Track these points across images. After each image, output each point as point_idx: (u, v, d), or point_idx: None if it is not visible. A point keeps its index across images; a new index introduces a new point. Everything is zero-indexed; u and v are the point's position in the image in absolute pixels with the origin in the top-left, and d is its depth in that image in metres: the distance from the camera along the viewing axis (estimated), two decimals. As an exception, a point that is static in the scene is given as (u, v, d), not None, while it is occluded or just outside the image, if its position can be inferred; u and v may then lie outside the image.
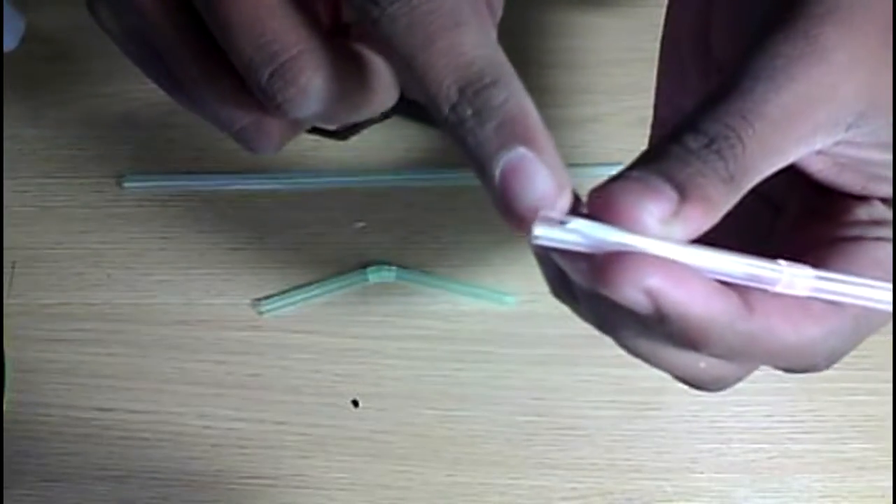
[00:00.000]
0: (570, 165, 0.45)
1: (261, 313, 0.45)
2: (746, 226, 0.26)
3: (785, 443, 0.44)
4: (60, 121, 0.48)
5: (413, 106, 0.50)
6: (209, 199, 0.47)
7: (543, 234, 0.20)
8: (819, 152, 0.23)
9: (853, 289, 0.22)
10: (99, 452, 0.44)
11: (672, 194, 0.20)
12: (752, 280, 0.21)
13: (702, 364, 0.24)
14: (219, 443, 0.44)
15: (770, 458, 0.44)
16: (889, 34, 0.23)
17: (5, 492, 0.44)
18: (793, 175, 0.24)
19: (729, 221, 0.22)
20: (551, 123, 0.22)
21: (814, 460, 0.43)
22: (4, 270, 0.47)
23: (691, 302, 0.20)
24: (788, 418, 0.44)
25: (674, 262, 0.20)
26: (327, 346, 0.45)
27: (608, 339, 0.45)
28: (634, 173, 0.21)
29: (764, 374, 0.43)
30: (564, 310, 0.45)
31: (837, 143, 0.23)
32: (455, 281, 0.45)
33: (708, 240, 0.22)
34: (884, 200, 0.25)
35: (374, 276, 0.45)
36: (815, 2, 0.23)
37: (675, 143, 0.21)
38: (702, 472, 0.44)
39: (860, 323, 0.24)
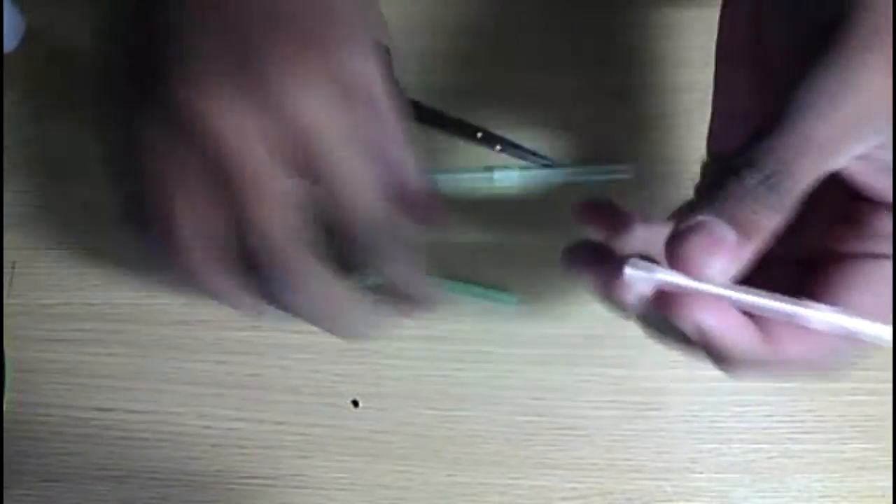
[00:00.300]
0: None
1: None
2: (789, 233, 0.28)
3: (785, 443, 0.44)
4: (60, 120, 0.48)
5: (413, 106, 0.50)
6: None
7: (632, 275, 0.26)
8: (858, 157, 0.26)
9: (864, 325, 0.26)
10: (99, 452, 0.45)
11: (732, 239, 0.25)
12: (787, 318, 0.26)
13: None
14: (218, 443, 0.44)
15: (770, 458, 0.44)
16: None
17: (5, 492, 0.44)
18: (827, 182, 0.27)
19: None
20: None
21: (814, 460, 0.43)
22: (4, 270, 0.47)
23: (726, 333, 0.26)
24: (788, 418, 0.44)
25: (719, 301, 0.26)
26: (327, 345, 0.45)
27: (608, 340, 0.45)
28: (701, 218, 0.25)
29: (764, 374, 0.44)
30: (565, 309, 0.45)
31: (876, 148, 0.26)
32: (457, 281, 0.45)
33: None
34: (885, 205, 0.28)
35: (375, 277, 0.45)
36: (855, 27, 0.25)
37: (735, 178, 0.25)
38: (701, 473, 0.43)
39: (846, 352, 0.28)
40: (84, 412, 0.45)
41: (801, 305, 0.26)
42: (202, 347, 0.45)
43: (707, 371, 0.43)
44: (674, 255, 0.25)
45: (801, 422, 0.44)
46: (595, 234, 0.34)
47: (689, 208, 0.26)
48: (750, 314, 0.27)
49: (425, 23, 0.49)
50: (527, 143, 0.47)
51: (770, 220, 0.25)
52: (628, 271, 0.26)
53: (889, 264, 0.28)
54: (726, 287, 0.26)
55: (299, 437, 0.44)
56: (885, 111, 0.25)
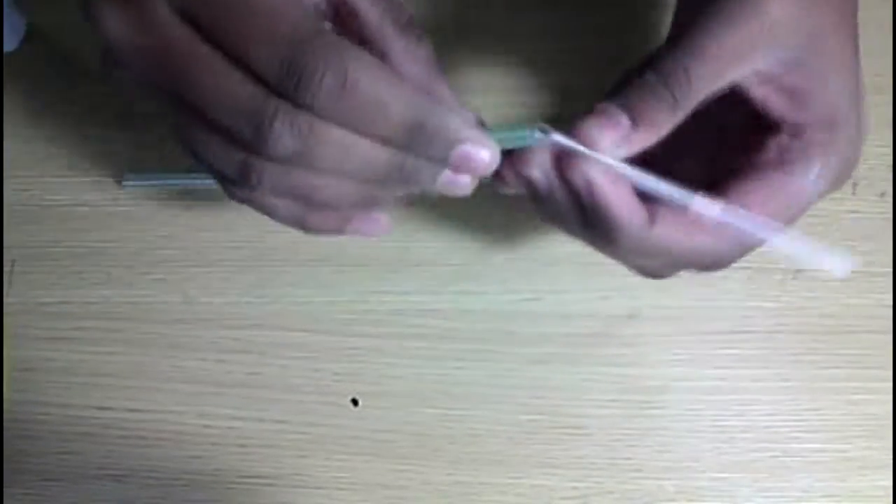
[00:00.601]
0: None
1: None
2: (700, 148, 0.34)
3: (787, 442, 0.43)
4: (60, 120, 0.48)
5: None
6: (209, 199, 0.47)
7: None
8: (757, 78, 0.30)
9: (749, 224, 0.30)
10: (98, 451, 0.44)
11: (624, 121, 0.29)
12: (671, 199, 0.30)
13: (638, 262, 0.34)
14: (218, 442, 0.44)
15: (773, 457, 0.43)
16: None
17: (4, 491, 0.44)
18: (734, 102, 0.31)
19: (687, 144, 0.31)
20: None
21: (817, 459, 0.43)
22: (4, 269, 0.46)
23: (615, 201, 0.29)
24: (791, 417, 0.44)
25: (613, 171, 0.29)
26: (327, 344, 0.45)
27: (610, 339, 0.45)
28: (602, 105, 0.30)
29: (767, 374, 0.44)
30: (566, 308, 0.45)
31: (777, 68, 0.30)
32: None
33: (670, 158, 0.31)
34: (791, 130, 0.31)
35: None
36: None
37: (638, 78, 0.30)
38: (703, 472, 0.43)
39: (744, 238, 0.31)
40: (83, 411, 0.45)
41: (688, 192, 0.30)
42: (202, 346, 0.45)
43: (709, 370, 0.44)
44: (574, 131, 0.29)
45: (804, 421, 0.43)
46: None
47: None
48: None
49: (425, 23, 0.49)
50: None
51: (662, 112, 0.29)
52: (537, 134, 0.29)
53: (782, 177, 0.31)
54: (620, 161, 0.29)
55: (299, 436, 0.44)
56: (780, 34, 0.29)
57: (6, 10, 0.48)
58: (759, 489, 0.43)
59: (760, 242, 0.32)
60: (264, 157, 0.28)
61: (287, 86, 0.26)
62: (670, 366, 0.44)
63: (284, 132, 0.26)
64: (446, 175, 0.29)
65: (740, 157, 0.33)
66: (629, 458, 0.43)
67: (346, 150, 0.27)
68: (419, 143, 0.27)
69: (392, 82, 0.26)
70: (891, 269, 0.45)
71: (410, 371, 0.45)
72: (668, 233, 0.30)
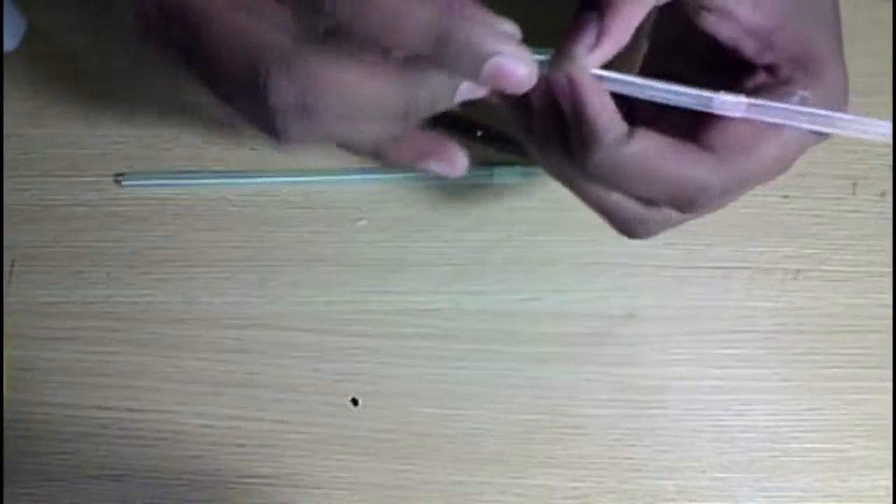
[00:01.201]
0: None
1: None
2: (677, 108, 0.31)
3: (788, 442, 0.43)
4: (60, 120, 0.48)
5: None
6: (209, 198, 0.47)
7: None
8: (726, 17, 0.30)
9: (778, 113, 0.29)
10: (97, 451, 0.44)
11: (593, 18, 0.28)
12: (697, 104, 0.29)
13: (613, 197, 0.31)
14: (218, 441, 0.44)
15: (773, 457, 0.43)
16: None
17: (4, 490, 0.44)
18: (711, 49, 0.31)
19: (661, 106, 0.29)
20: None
21: (817, 459, 0.43)
22: (4, 269, 0.46)
23: (595, 102, 0.28)
24: (791, 417, 0.44)
25: (598, 82, 0.28)
26: (327, 344, 0.45)
27: (610, 338, 0.45)
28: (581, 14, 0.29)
29: (766, 373, 0.44)
30: (566, 308, 0.45)
31: (741, 7, 0.30)
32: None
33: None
34: (766, 69, 0.31)
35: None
36: None
37: None
38: (704, 472, 0.43)
39: (732, 168, 0.30)
40: (83, 411, 0.45)
41: (707, 93, 0.29)
42: (201, 346, 0.45)
43: (709, 369, 0.44)
44: (558, 59, 0.29)
45: (805, 420, 0.43)
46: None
47: None
48: None
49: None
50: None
51: (630, 6, 0.28)
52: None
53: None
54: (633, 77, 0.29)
55: (299, 436, 0.44)
56: None
57: (6, 10, 0.48)
58: (760, 489, 0.43)
59: (755, 174, 0.31)
60: (277, 110, 0.26)
61: (296, 17, 0.25)
62: (670, 366, 0.44)
63: (286, 85, 0.25)
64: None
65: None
66: (629, 458, 0.43)
67: (355, 92, 0.26)
68: (446, 57, 0.26)
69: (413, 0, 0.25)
70: (891, 269, 0.45)
71: (410, 371, 0.45)
72: (644, 150, 0.29)
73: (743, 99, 0.29)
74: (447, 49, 0.25)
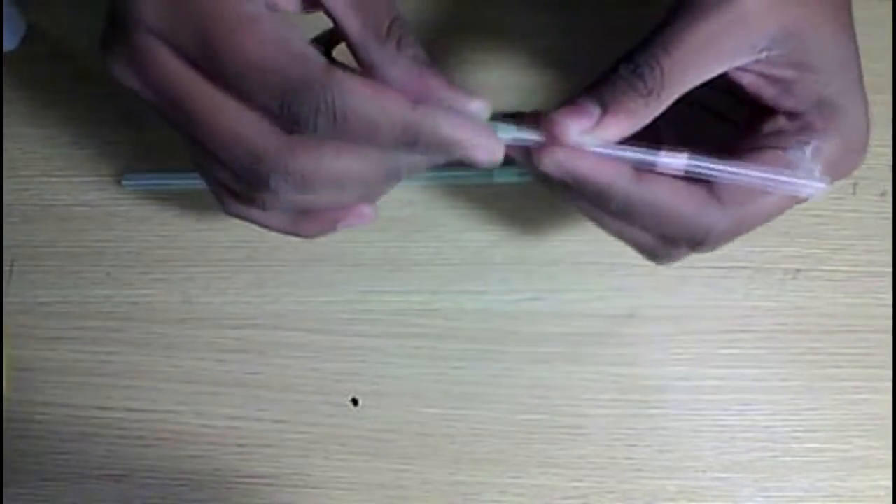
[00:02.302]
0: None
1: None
2: (701, 135, 0.34)
3: (788, 441, 0.43)
4: (60, 120, 0.48)
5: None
6: (209, 198, 0.46)
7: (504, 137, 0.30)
8: (743, 69, 0.31)
9: (717, 170, 0.30)
10: (97, 451, 0.44)
11: (595, 111, 0.29)
12: (638, 162, 0.30)
13: (632, 232, 0.33)
14: (217, 441, 0.44)
15: (773, 457, 0.43)
16: None
17: (4, 490, 0.44)
18: (729, 100, 0.33)
19: (686, 132, 0.32)
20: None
21: (817, 459, 0.43)
22: (4, 269, 0.46)
23: (591, 168, 0.30)
24: (791, 417, 0.44)
25: (578, 150, 0.29)
26: (327, 344, 0.45)
27: (610, 338, 0.45)
28: (576, 98, 0.30)
29: (766, 373, 0.44)
30: (566, 308, 0.45)
31: (757, 62, 0.30)
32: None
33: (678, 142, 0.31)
34: (787, 114, 0.32)
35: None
36: None
37: (612, 71, 0.30)
38: (704, 472, 0.43)
39: (738, 216, 0.32)
40: (82, 411, 0.45)
41: (651, 152, 0.30)
42: (201, 346, 0.45)
43: (710, 369, 0.44)
44: (546, 122, 0.30)
45: (805, 420, 0.43)
46: None
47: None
48: None
49: (426, 23, 0.49)
50: (527, 141, 0.46)
51: (637, 103, 0.29)
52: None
53: (779, 154, 0.32)
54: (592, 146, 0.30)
55: (299, 436, 0.44)
56: (753, 26, 0.30)
57: (6, 10, 0.48)
58: (760, 489, 0.43)
59: (756, 216, 0.33)
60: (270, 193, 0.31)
61: (285, 128, 0.29)
62: (670, 365, 0.44)
63: (281, 180, 0.30)
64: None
65: (740, 138, 0.33)
66: (629, 458, 0.43)
67: (344, 175, 0.30)
68: (418, 152, 0.29)
69: (383, 104, 0.28)
70: (891, 269, 0.45)
71: (410, 371, 0.45)
72: (655, 191, 0.31)
73: (683, 159, 0.30)
74: (418, 141, 0.29)
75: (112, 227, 0.47)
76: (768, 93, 0.32)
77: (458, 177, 0.46)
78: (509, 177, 0.46)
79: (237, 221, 0.46)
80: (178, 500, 0.44)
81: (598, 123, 0.29)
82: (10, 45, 0.49)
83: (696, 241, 0.33)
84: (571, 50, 0.48)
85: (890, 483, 0.42)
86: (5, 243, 0.47)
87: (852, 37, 0.33)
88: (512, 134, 0.30)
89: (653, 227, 0.33)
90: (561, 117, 0.29)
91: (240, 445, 0.44)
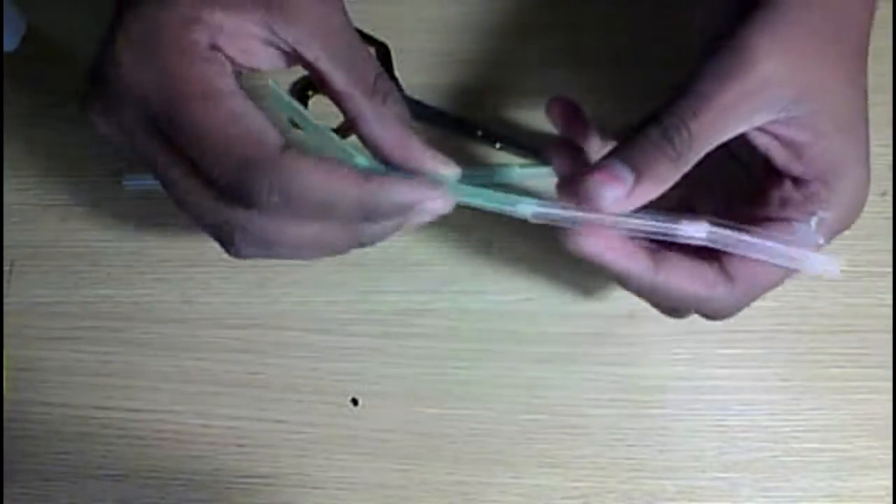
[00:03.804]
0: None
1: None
2: (728, 187, 0.36)
3: (789, 441, 0.43)
4: (60, 120, 0.48)
5: (413, 105, 0.50)
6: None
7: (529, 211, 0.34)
8: (760, 129, 0.32)
9: (740, 242, 0.32)
10: (97, 451, 0.44)
11: (628, 177, 0.30)
12: (662, 235, 0.32)
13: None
14: (217, 441, 0.44)
15: (773, 456, 0.43)
16: (824, 35, 0.32)
17: (4, 490, 0.44)
18: (742, 147, 0.33)
19: (714, 184, 0.35)
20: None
21: (817, 459, 0.43)
22: (4, 269, 0.46)
23: (613, 258, 0.32)
24: (792, 417, 0.43)
25: (608, 233, 0.32)
26: (327, 344, 0.45)
27: (610, 338, 0.45)
28: (606, 161, 0.31)
29: (767, 373, 0.44)
30: (566, 308, 0.45)
31: (774, 122, 0.31)
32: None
33: (694, 199, 0.37)
34: (793, 181, 0.33)
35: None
36: (750, 20, 0.31)
37: (640, 133, 0.31)
38: (704, 472, 0.43)
39: (745, 291, 0.34)
40: (82, 411, 0.45)
41: (672, 221, 0.32)
42: (201, 346, 0.45)
43: (710, 369, 0.44)
44: (577, 188, 0.31)
45: (805, 420, 0.43)
46: (557, 128, 0.37)
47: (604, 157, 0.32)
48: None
49: (425, 23, 0.49)
50: (527, 141, 0.46)
51: (666, 167, 0.30)
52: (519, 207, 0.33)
53: (785, 227, 0.33)
54: (611, 215, 0.31)
55: (298, 436, 0.44)
56: (775, 88, 0.30)
57: (6, 10, 0.48)
58: (760, 489, 0.43)
59: (760, 290, 0.35)
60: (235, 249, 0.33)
61: (239, 202, 0.30)
62: (670, 365, 0.44)
63: (243, 241, 0.32)
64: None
65: (747, 206, 0.35)
66: (629, 458, 0.43)
67: (307, 242, 0.32)
68: (373, 221, 0.32)
69: (335, 185, 0.30)
70: (891, 269, 0.45)
71: (410, 371, 0.45)
72: (670, 278, 0.33)
73: (703, 231, 0.31)
74: (374, 214, 0.31)
75: (112, 226, 0.47)
76: (780, 156, 0.33)
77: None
78: (509, 177, 0.46)
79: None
80: (178, 500, 0.44)
81: (630, 192, 0.30)
82: (10, 45, 0.49)
83: (707, 315, 0.35)
84: (571, 51, 0.48)
85: (890, 483, 0.42)
86: (5, 243, 0.47)
87: (864, 91, 0.34)
88: (532, 209, 0.33)
89: (667, 304, 0.36)
90: (596, 186, 0.30)
91: (240, 445, 0.44)
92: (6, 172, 0.48)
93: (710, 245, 0.32)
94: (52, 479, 0.44)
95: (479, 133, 0.47)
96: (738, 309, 0.35)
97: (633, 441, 0.43)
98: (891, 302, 0.44)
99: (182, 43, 0.30)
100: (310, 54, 0.32)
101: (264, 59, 0.33)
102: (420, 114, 0.47)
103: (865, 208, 0.45)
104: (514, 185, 0.46)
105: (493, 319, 0.45)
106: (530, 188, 0.46)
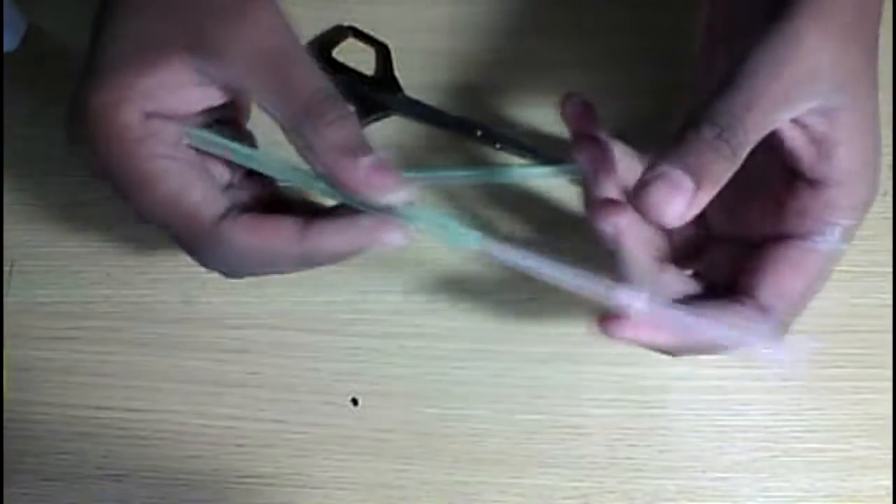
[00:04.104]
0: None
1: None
2: (744, 198, 0.35)
3: (789, 441, 0.43)
4: (60, 120, 0.48)
5: (413, 105, 0.50)
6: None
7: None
8: (794, 121, 0.31)
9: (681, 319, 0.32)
10: (97, 451, 0.44)
11: (688, 185, 0.28)
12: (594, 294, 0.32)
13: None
14: (217, 441, 0.44)
15: (774, 457, 0.43)
16: (856, 13, 0.31)
17: (3, 490, 0.44)
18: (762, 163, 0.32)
19: (729, 197, 0.31)
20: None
21: (817, 459, 0.43)
22: (4, 269, 0.46)
23: (654, 339, 0.35)
24: (792, 417, 0.43)
25: (645, 319, 0.32)
26: (326, 343, 0.45)
27: (610, 339, 0.45)
28: (664, 167, 0.29)
29: (766, 373, 0.44)
30: (566, 308, 0.45)
31: (811, 113, 0.30)
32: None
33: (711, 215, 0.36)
34: (811, 186, 0.32)
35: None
36: (798, 4, 0.30)
37: (694, 133, 0.29)
38: (704, 472, 0.43)
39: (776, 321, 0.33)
40: (82, 411, 0.45)
41: (608, 286, 0.32)
42: (201, 346, 0.45)
43: (710, 369, 0.44)
44: (639, 201, 0.29)
45: (805, 420, 0.43)
46: (568, 125, 0.36)
47: (656, 158, 0.30)
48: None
49: (425, 23, 0.49)
50: (527, 141, 0.46)
51: (723, 168, 0.29)
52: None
53: (800, 244, 0.33)
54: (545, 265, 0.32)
55: (298, 436, 0.44)
56: (822, 75, 0.30)
57: (6, 10, 0.48)
58: (760, 489, 0.43)
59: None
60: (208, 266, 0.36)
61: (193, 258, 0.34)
62: (670, 365, 0.44)
63: (216, 269, 0.35)
64: None
65: (764, 217, 0.34)
66: (630, 458, 0.43)
67: (267, 271, 0.35)
68: (319, 265, 0.35)
69: (275, 245, 0.33)
70: (891, 269, 0.45)
71: (410, 371, 0.45)
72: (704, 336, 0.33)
73: (642, 296, 0.31)
74: (315, 263, 0.34)
75: (112, 226, 0.47)
76: (807, 154, 0.32)
77: (458, 176, 0.46)
78: (509, 177, 0.46)
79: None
80: (178, 500, 0.44)
81: (693, 199, 0.28)
82: (10, 45, 0.49)
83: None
84: (571, 51, 0.48)
85: (890, 483, 0.42)
86: (5, 243, 0.47)
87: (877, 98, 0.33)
88: (479, 243, 0.34)
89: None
90: (660, 198, 0.28)
91: (239, 445, 0.44)
92: (6, 172, 0.48)
93: (649, 312, 0.32)
94: (52, 479, 0.44)
95: (479, 133, 0.47)
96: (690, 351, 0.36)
97: (633, 441, 0.43)
98: (891, 302, 0.44)
99: (114, 129, 0.32)
100: (241, 88, 0.32)
101: (203, 100, 0.33)
102: (420, 114, 0.47)
103: (865, 208, 0.45)
104: (513, 185, 0.46)
105: (493, 319, 0.45)
106: (531, 188, 0.46)
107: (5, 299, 0.46)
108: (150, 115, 0.32)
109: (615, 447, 0.43)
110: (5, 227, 0.47)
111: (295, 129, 0.31)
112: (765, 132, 0.30)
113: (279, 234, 0.33)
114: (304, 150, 0.32)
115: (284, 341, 0.45)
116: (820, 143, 0.31)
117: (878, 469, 0.43)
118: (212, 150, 0.34)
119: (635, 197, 0.29)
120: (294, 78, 0.31)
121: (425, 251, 0.46)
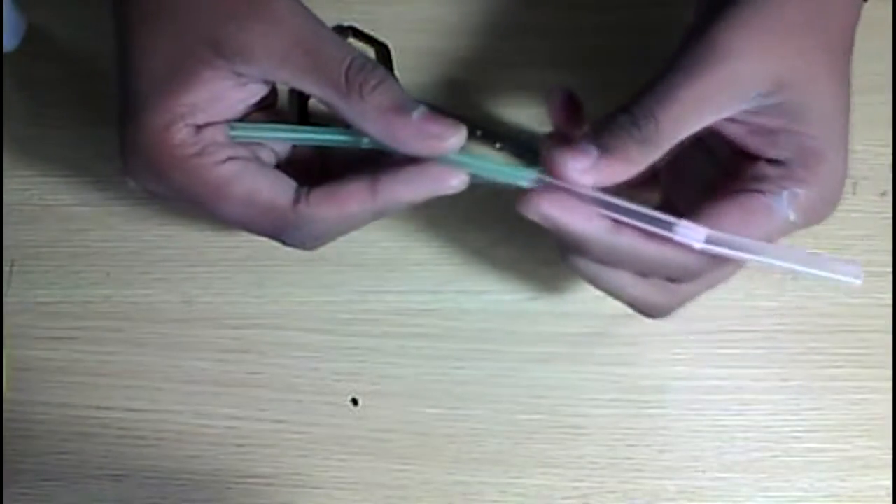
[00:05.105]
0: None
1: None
2: (704, 181, 0.36)
3: (788, 441, 0.43)
4: (60, 120, 0.48)
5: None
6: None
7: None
8: (731, 120, 0.32)
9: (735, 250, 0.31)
10: (97, 451, 0.44)
11: (593, 152, 0.31)
12: (655, 226, 0.31)
13: (629, 285, 0.35)
14: (217, 441, 0.44)
15: (773, 456, 0.43)
16: (803, 27, 0.32)
17: (3, 490, 0.44)
18: (715, 140, 0.33)
19: (690, 179, 0.36)
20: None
21: (817, 459, 0.43)
22: (4, 269, 0.46)
23: (572, 222, 0.31)
24: (791, 417, 0.44)
25: (567, 197, 0.31)
26: (327, 344, 0.45)
27: (610, 338, 0.45)
28: (576, 142, 0.31)
29: (766, 373, 0.44)
30: (566, 308, 0.45)
31: (746, 113, 0.32)
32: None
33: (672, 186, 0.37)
34: (768, 161, 0.33)
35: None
36: (720, 17, 0.31)
37: (610, 119, 0.31)
38: (704, 472, 0.43)
39: (711, 259, 0.32)
40: (82, 411, 0.45)
41: (670, 220, 0.31)
42: (201, 346, 0.45)
43: (710, 369, 0.44)
44: (548, 157, 0.31)
45: (805, 420, 0.43)
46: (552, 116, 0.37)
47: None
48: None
49: (425, 23, 0.49)
50: (527, 141, 0.46)
51: (631, 147, 0.31)
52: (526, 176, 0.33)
53: (753, 199, 0.33)
54: (602, 194, 0.31)
55: (298, 436, 0.44)
56: (745, 81, 0.31)
57: (6, 10, 0.48)
58: (760, 489, 0.43)
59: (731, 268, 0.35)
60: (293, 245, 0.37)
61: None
62: (670, 365, 0.44)
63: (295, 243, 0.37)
64: None
65: (722, 179, 0.34)
66: (629, 458, 0.43)
67: (345, 229, 0.36)
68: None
69: (350, 209, 0.34)
70: (891, 269, 0.45)
71: (410, 371, 0.45)
72: (631, 243, 0.32)
73: (701, 236, 0.31)
74: (389, 213, 0.35)
75: (112, 227, 0.47)
76: (753, 142, 0.33)
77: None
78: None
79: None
80: (178, 500, 0.44)
81: (594, 165, 0.31)
82: (10, 45, 0.49)
83: (673, 277, 0.34)
84: (571, 50, 0.48)
85: (890, 483, 0.42)
86: (5, 243, 0.47)
87: (847, 84, 0.33)
88: (534, 176, 0.32)
89: (629, 267, 0.34)
90: (560, 156, 0.31)
91: (239, 445, 0.44)
92: (6, 172, 0.48)
93: (708, 250, 0.31)
94: (52, 479, 0.44)
95: (479, 133, 0.47)
96: (709, 271, 0.34)
97: (633, 441, 0.43)
98: (891, 302, 0.44)
99: (171, 150, 0.33)
100: (278, 78, 0.33)
101: (247, 98, 0.35)
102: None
103: (865, 208, 0.45)
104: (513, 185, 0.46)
105: (493, 319, 0.45)
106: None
107: (5, 299, 0.46)
108: (200, 128, 0.33)
109: (615, 447, 0.43)
110: (5, 227, 0.47)
111: (340, 103, 0.32)
112: (686, 129, 0.31)
113: (353, 197, 0.34)
114: (355, 118, 0.33)
115: (284, 341, 0.45)
116: (761, 132, 0.32)
117: (878, 469, 0.43)
118: (258, 138, 0.35)
119: (544, 158, 0.32)
120: (326, 56, 0.32)
121: (425, 251, 0.46)
